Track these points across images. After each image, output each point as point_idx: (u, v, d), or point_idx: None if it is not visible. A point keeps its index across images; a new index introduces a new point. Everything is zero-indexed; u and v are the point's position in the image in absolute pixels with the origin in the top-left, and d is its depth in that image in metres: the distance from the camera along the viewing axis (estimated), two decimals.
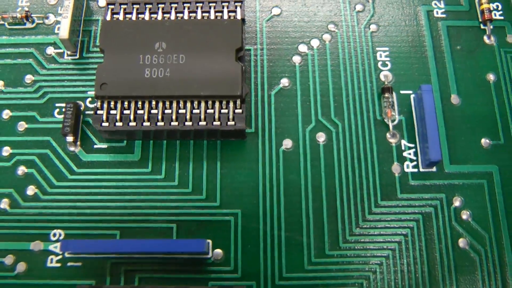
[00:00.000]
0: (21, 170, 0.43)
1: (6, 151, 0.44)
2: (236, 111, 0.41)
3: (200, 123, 0.41)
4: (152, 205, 0.42)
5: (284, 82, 0.45)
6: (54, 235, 0.42)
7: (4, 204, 0.42)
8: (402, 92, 0.45)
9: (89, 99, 0.45)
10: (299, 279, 0.40)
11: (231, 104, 0.41)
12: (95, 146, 0.44)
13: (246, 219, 0.41)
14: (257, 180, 0.42)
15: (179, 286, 0.39)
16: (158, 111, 0.41)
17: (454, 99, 0.45)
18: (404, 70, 0.46)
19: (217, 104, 0.41)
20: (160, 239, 0.40)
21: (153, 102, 0.41)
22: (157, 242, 0.39)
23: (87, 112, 0.45)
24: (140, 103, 0.41)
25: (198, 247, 0.38)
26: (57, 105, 0.45)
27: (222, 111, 0.41)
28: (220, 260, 0.40)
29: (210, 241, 0.41)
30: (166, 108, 0.41)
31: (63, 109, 0.44)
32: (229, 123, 0.41)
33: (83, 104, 0.45)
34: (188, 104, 0.41)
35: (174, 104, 0.41)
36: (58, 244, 0.41)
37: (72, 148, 0.44)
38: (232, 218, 0.41)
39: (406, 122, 0.44)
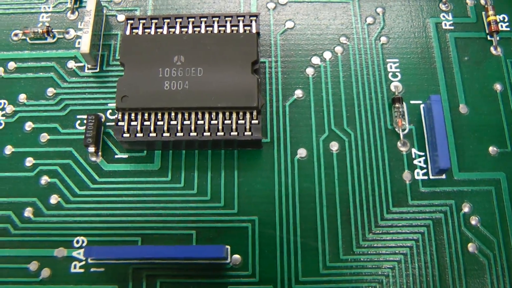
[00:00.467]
0: (44, 179, 0.45)
1: (29, 161, 0.46)
2: (253, 121, 0.43)
3: (218, 133, 0.43)
4: (172, 212, 0.44)
5: (298, 93, 0.47)
6: (77, 242, 0.43)
7: (28, 212, 0.44)
8: (412, 102, 0.47)
9: (110, 111, 0.47)
10: (315, 283, 0.42)
11: (247, 115, 0.43)
12: (116, 156, 0.46)
13: (263, 225, 0.43)
14: (273, 188, 0.44)
15: None
16: (177, 122, 0.43)
17: (462, 108, 0.47)
18: (413, 81, 0.48)
19: (234, 115, 0.43)
20: (180, 246, 0.42)
21: (173, 114, 0.43)
22: (178, 248, 0.40)
23: (107, 124, 0.47)
24: (160, 114, 0.43)
25: (218, 253, 0.40)
26: (78, 117, 0.47)
27: (239, 122, 0.43)
28: (238, 265, 0.42)
29: (228, 247, 0.42)
30: (185, 119, 0.43)
31: (85, 121, 0.46)
32: (246, 133, 0.43)
33: (103, 116, 0.47)
34: (206, 115, 0.43)
35: (193, 116, 0.43)
36: (82, 251, 0.43)
37: (93, 158, 0.46)
38: (249, 224, 0.43)
39: (416, 131, 0.46)
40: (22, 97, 0.48)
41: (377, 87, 0.47)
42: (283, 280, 0.42)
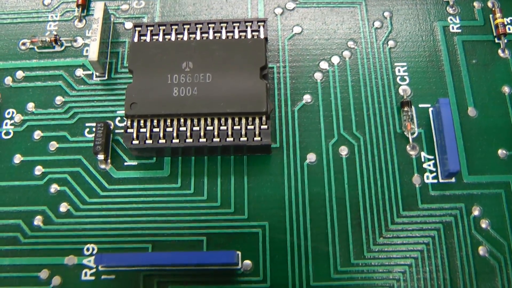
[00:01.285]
0: (54, 188, 0.46)
1: (39, 170, 0.46)
2: (262, 127, 0.43)
3: (228, 139, 0.43)
4: (183, 219, 0.44)
5: (307, 98, 0.48)
6: (88, 249, 0.44)
7: (38, 221, 0.45)
8: (420, 105, 0.47)
9: (118, 118, 0.48)
10: (326, 287, 0.42)
11: (256, 121, 0.43)
12: (125, 164, 0.46)
13: (274, 230, 0.44)
14: (283, 193, 0.45)
15: None
16: (186, 129, 0.44)
17: (471, 111, 0.47)
18: (422, 84, 0.48)
19: (243, 121, 0.43)
20: (191, 252, 0.42)
21: (182, 120, 0.44)
22: (189, 254, 0.41)
23: (116, 131, 0.47)
24: (169, 121, 0.44)
25: (229, 259, 0.40)
26: (87, 124, 0.48)
27: (248, 127, 0.43)
28: (249, 271, 0.43)
29: (239, 252, 0.43)
30: (194, 126, 0.44)
31: (94, 129, 0.47)
32: (255, 138, 0.43)
33: (112, 123, 0.47)
34: (216, 121, 0.43)
35: (202, 122, 0.43)
36: (92, 258, 0.43)
37: (103, 166, 0.46)
38: (260, 230, 0.44)
39: (425, 135, 0.46)
40: (31, 106, 0.49)
41: (386, 91, 0.48)
42: (294, 285, 0.42)
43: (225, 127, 0.43)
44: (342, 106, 0.47)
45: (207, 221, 0.44)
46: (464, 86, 0.48)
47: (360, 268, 0.43)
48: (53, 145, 0.47)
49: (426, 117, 0.47)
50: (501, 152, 0.46)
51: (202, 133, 0.43)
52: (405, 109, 0.46)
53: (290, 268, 0.43)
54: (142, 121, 0.44)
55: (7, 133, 0.48)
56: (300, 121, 0.47)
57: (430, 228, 0.44)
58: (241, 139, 0.43)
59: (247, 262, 0.43)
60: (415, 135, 0.46)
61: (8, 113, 0.48)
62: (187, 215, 0.44)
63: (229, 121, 0.43)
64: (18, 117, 0.48)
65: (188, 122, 0.44)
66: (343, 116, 0.47)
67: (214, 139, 0.43)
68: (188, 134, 0.43)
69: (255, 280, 0.43)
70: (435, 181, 0.45)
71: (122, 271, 0.43)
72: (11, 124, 0.48)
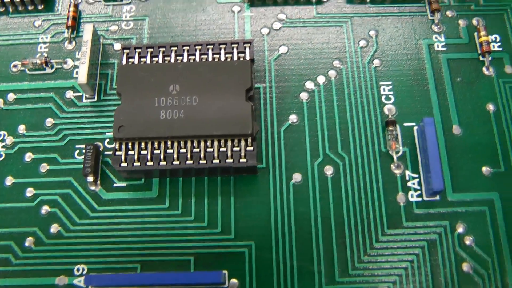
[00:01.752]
0: (45, 209, 0.47)
1: (30, 192, 0.48)
2: (248, 148, 0.44)
3: (214, 161, 0.44)
4: (171, 239, 0.45)
5: (293, 118, 0.49)
6: (78, 270, 0.45)
7: (29, 242, 0.46)
8: (405, 124, 0.48)
9: (108, 139, 0.49)
10: None
11: (242, 142, 0.44)
12: (114, 185, 0.47)
13: (260, 250, 0.45)
14: (269, 213, 0.46)
15: None
16: (173, 151, 0.45)
17: (456, 129, 0.48)
18: (407, 103, 0.49)
19: (229, 143, 0.44)
20: (179, 272, 0.43)
21: (169, 142, 0.45)
22: (177, 274, 0.42)
23: (106, 153, 0.48)
24: (156, 143, 0.45)
25: (216, 279, 0.42)
26: (77, 146, 0.49)
27: (234, 149, 0.44)
28: None
29: (226, 272, 0.44)
30: (181, 148, 0.45)
31: (83, 151, 0.48)
32: (241, 160, 0.44)
33: (101, 145, 0.48)
34: (202, 143, 0.44)
35: (189, 144, 0.45)
36: (82, 279, 0.44)
37: (92, 188, 0.47)
38: (246, 249, 0.45)
39: (410, 154, 0.47)
40: (22, 128, 0.50)
41: (371, 110, 0.49)
42: None
43: (211, 149, 0.44)
44: (328, 125, 0.48)
45: (194, 241, 0.45)
46: (449, 104, 0.49)
47: (345, 286, 0.44)
48: (44, 167, 0.48)
49: (411, 136, 0.48)
50: (485, 169, 0.47)
51: (189, 155, 0.44)
52: (390, 128, 0.47)
53: (276, 287, 0.44)
54: (130, 144, 0.45)
55: None
56: (286, 141, 0.48)
57: (414, 246, 0.45)
58: (227, 160, 0.44)
59: (234, 281, 0.44)
60: (399, 154, 0.47)
61: (0, 136, 0.49)
62: (175, 235, 0.45)
63: (216, 143, 0.44)
64: (9, 139, 0.49)
65: (175, 144, 0.45)
66: (328, 136, 0.48)
67: (201, 161, 0.44)
68: (175, 156, 0.44)
69: None
70: (420, 199, 0.46)
71: None
72: (3, 146, 0.49)
